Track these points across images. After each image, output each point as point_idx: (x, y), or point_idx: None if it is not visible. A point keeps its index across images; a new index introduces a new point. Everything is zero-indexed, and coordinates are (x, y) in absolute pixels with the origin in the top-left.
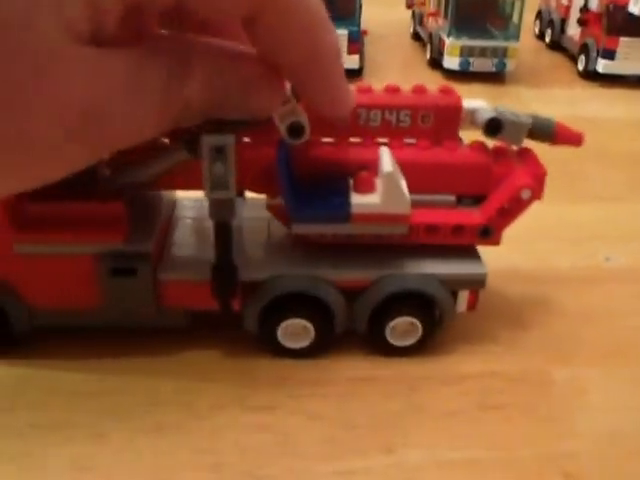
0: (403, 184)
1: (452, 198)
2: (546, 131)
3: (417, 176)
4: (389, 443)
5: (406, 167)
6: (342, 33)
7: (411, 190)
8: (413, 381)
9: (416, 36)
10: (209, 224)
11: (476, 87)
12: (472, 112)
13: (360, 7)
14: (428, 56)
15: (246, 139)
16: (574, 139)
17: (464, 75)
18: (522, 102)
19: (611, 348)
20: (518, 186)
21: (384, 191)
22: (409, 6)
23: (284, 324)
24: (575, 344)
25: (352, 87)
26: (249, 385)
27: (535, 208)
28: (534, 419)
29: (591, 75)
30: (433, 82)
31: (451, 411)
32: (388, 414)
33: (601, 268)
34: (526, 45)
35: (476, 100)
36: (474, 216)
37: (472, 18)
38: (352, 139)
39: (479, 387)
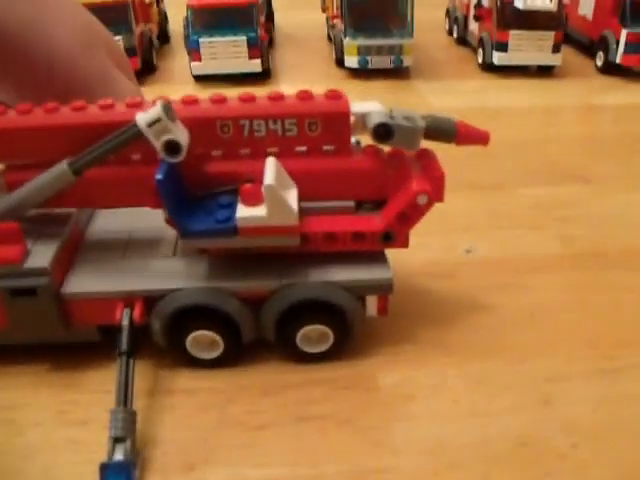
0: (291, 195)
1: (351, 204)
2: (446, 132)
3: (309, 184)
4: (192, 461)
5: (297, 176)
6: (241, 39)
7: (306, 198)
8: (232, 392)
9: (329, 38)
10: (124, 236)
11: (378, 83)
12: (363, 116)
13: (263, 15)
14: (334, 56)
15: (136, 156)
16: (479, 138)
17: (366, 71)
18: (422, 95)
19: (450, 349)
20: (414, 192)
21: (268, 204)
22: (324, 10)
23: (191, 336)
24: (411, 345)
25: (234, 96)
26: (71, 399)
27: None
28: (351, 431)
29: (490, 67)
30: (338, 78)
31: (265, 424)
32: (198, 429)
33: (458, 262)
34: (437, 41)
35: (370, 103)
36: (374, 222)
37: (371, 19)
38: (242, 151)
39: (300, 397)
